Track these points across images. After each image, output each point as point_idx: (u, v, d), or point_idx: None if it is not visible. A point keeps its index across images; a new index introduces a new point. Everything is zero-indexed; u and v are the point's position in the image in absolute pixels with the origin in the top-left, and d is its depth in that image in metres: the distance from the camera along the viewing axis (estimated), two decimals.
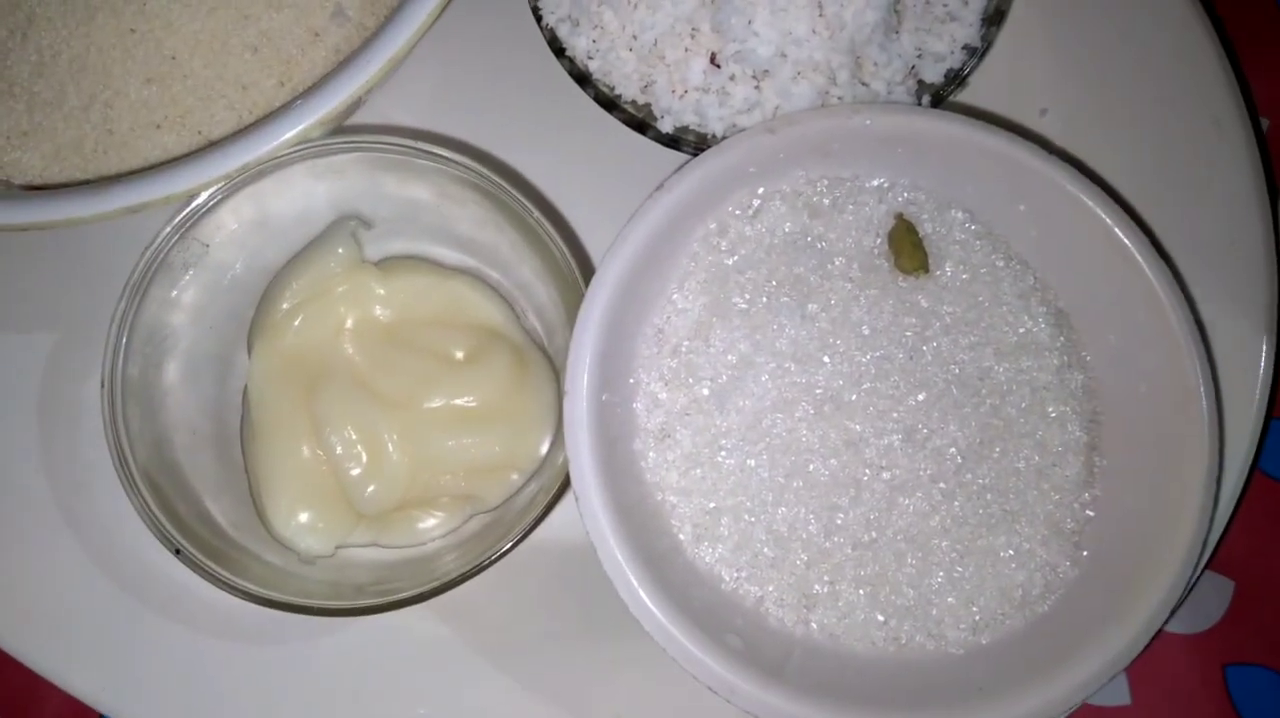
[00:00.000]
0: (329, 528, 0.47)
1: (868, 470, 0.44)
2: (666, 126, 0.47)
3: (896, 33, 0.46)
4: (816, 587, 0.43)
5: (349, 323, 0.49)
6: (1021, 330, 0.46)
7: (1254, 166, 0.51)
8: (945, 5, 0.47)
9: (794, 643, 0.43)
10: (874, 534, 0.43)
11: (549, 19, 0.48)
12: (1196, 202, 0.51)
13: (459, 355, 0.49)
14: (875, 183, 0.47)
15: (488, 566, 0.44)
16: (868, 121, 0.45)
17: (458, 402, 0.48)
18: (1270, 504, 0.53)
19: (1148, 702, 0.50)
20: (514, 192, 0.46)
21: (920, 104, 0.47)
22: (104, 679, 0.49)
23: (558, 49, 0.48)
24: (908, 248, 0.46)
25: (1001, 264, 0.46)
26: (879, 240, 0.46)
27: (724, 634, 0.41)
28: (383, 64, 0.47)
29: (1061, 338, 0.46)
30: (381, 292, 0.50)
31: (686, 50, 0.46)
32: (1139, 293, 0.43)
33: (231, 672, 0.49)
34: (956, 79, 0.48)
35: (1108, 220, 0.44)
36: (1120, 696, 0.51)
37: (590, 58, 0.47)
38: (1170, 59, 0.52)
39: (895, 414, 0.44)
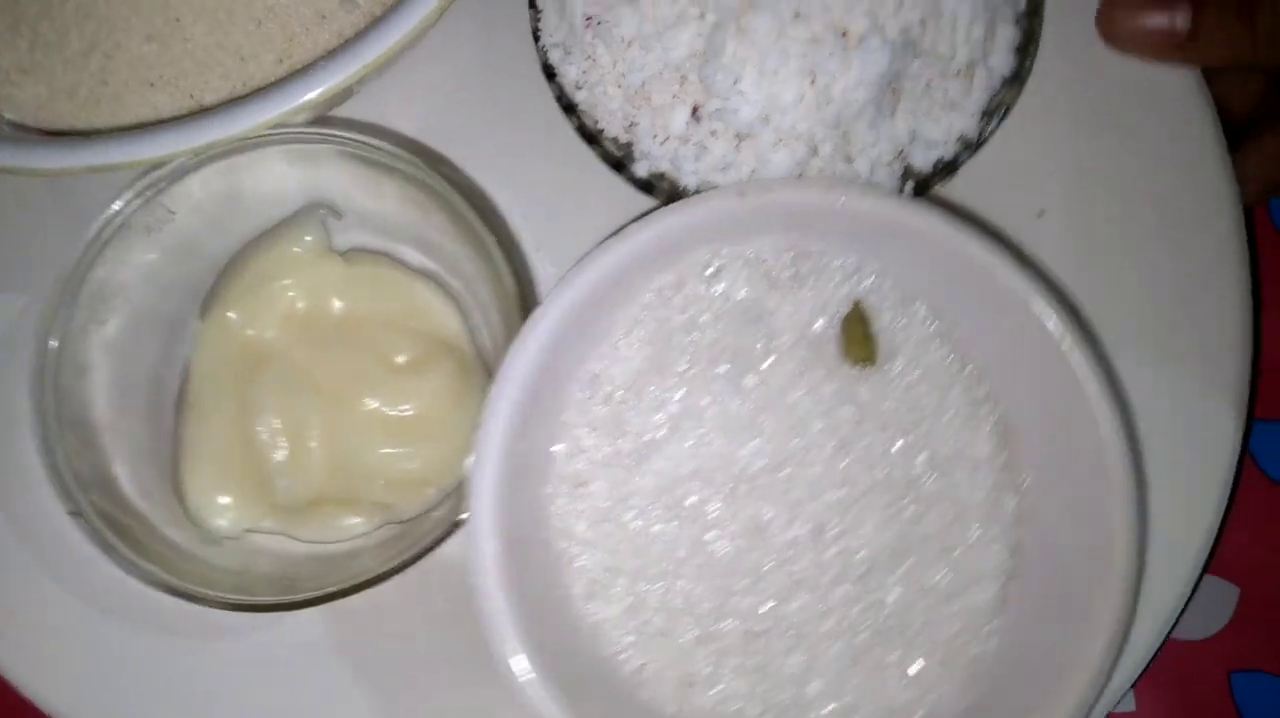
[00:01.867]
0: (241, 510, 0.47)
1: (772, 559, 0.43)
2: (642, 171, 0.46)
3: (891, 113, 0.45)
4: (699, 667, 0.43)
5: (301, 308, 0.49)
6: (961, 442, 0.44)
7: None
8: (947, 92, 0.45)
9: None
10: (767, 625, 0.42)
11: (545, 41, 0.47)
12: (1190, 318, 0.50)
13: (403, 360, 0.49)
14: (841, 262, 0.45)
15: (388, 576, 0.44)
16: (841, 201, 0.43)
17: (390, 411, 0.48)
18: (1276, 510, 0.53)
19: (1153, 708, 0.49)
20: (471, 214, 0.45)
21: (903, 190, 0.46)
22: None
23: (549, 74, 0.47)
24: (858, 336, 0.44)
25: (955, 369, 0.45)
26: (833, 323, 0.45)
27: (590, 701, 0.41)
28: (383, 50, 0.46)
29: (1003, 456, 0.44)
30: (339, 283, 0.49)
31: (674, 97, 0.45)
32: (1088, 435, 0.41)
33: (110, 653, 0.49)
34: (946, 169, 0.46)
35: (1068, 351, 0.42)
36: (1125, 702, 0.51)
37: (579, 88, 0.46)
38: (1178, 174, 0.51)
39: (810, 507, 0.43)
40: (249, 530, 0.48)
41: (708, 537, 0.43)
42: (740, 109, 0.43)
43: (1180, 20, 0.50)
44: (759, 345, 0.45)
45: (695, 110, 0.44)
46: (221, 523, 0.47)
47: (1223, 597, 0.52)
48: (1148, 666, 0.47)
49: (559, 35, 0.47)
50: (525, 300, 0.45)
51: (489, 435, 0.41)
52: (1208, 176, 0.51)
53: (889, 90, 0.44)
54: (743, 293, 0.45)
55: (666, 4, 0.44)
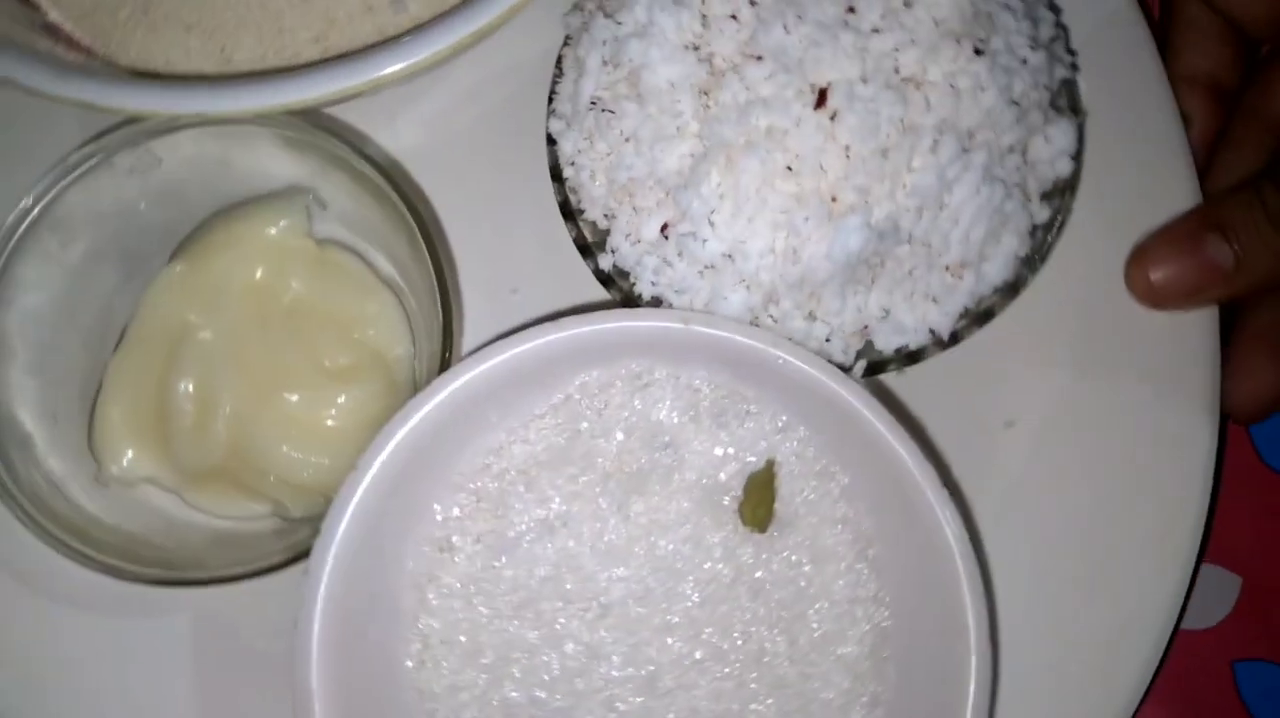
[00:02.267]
0: (141, 455, 0.48)
1: (600, 691, 0.42)
2: (605, 264, 0.45)
3: (867, 286, 0.43)
4: None
5: (259, 280, 0.49)
6: (829, 636, 0.43)
7: None
8: (929, 284, 0.43)
9: None
10: None
11: (555, 107, 0.46)
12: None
13: (335, 365, 0.49)
14: (770, 416, 0.44)
15: (248, 576, 0.44)
16: (780, 360, 0.42)
17: (305, 412, 0.48)
18: (1278, 500, 0.52)
19: (1156, 698, 0.48)
20: (422, 246, 0.45)
21: (853, 367, 0.44)
22: None
23: (550, 139, 0.46)
24: (760, 499, 0.43)
25: (847, 561, 0.43)
26: (740, 475, 0.44)
27: None
28: (421, 57, 0.46)
29: (868, 663, 0.42)
30: (305, 266, 0.49)
31: (657, 204, 0.44)
32: (959, 678, 0.40)
33: None
34: (907, 358, 0.44)
35: (962, 576, 0.40)
36: None
37: (571, 163, 0.46)
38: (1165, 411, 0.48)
39: (652, 651, 0.42)
40: (145, 480, 0.49)
41: (545, 649, 0.43)
42: (708, 241, 0.42)
43: (1220, 254, 0.46)
44: (659, 474, 0.44)
45: (665, 227, 0.43)
46: (122, 464, 0.48)
47: (1225, 587, 0.52)
48: (1158, 670, 0.46)
49: (566, 107, 0.46)
50: (449, 350, 0.45)
51: (354, 485, 0.41)
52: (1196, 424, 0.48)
53: (866, 265, 0.42)
54: (662, 415, 0.44)
55: (669, 116, 0.42)
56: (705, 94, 0.42)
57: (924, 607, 0.42)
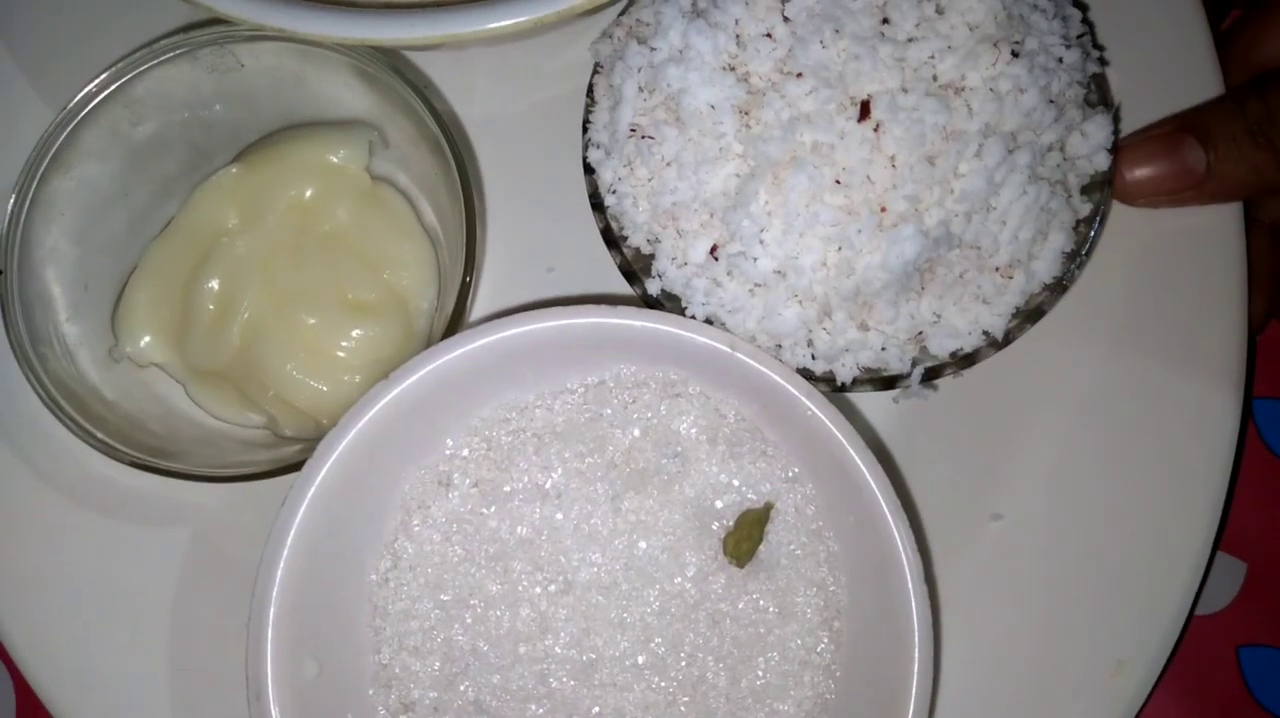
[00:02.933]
0: (157, 344, 0.49)
1: (535, 667, 0.44)
2: (654, 289, 0.45)
3: (918, 292, 0.43)
4: None
5: (308, 201, 0.50)
6: (771, 688, 0.43)
7: None
8: (980, 286, 0.43)
9: None
10: None
11: (591, 136, 0.46)
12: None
13: (358, 299, 0.49)
14: (784, 463, 0.45)
15: (229, 479, 0.45)
16: (810, 413, 0.42)
17: (317, 337, 0.48)
18: None
19: (1161, 684, 0.48)
20: (461, 209, 0.46)
21: (911, 374, 0.44)
22: None
23: (587, 169, 0.46)
24: (747, 536, 0.44)
25: (811, 625, 0.44)
26: (735, 508, 0.44)
27: None
28: (504, 23, 0.44)
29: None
30: (354, 196, 0.50)
31: (701, 226, 0.44)
32: None
33: None
34: (962, 361, 0.44)
35: (915, 681, 0.40)
36: None
37: (611, 191, 0.46)
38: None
39: (598, 641, 0.43)
40: (155, 365, 0.50)
41: (501, 605, 0.44)
42: (759, 259, 0.42)
43: (1193, 158, 0.47)
44: (660, 480, 0.44)
45: (714, 249, 0.43)
46: (137, 345, 0.49)
47: (1230, 572, 0.52)
48: (1168, 661, 0.47)
49: (603, 135, 0.46)
50: (462, 308, 0.46)
51: (378, 394, 0.43)
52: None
53: (918, 271, 0.42)
54: (682, 427, 0.45)
55: (712, 138, 0.42)
56: (745, 114, 0.42)
57: (871, 694, 0.42)
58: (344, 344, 0.48)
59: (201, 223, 0.50)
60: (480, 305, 0.52)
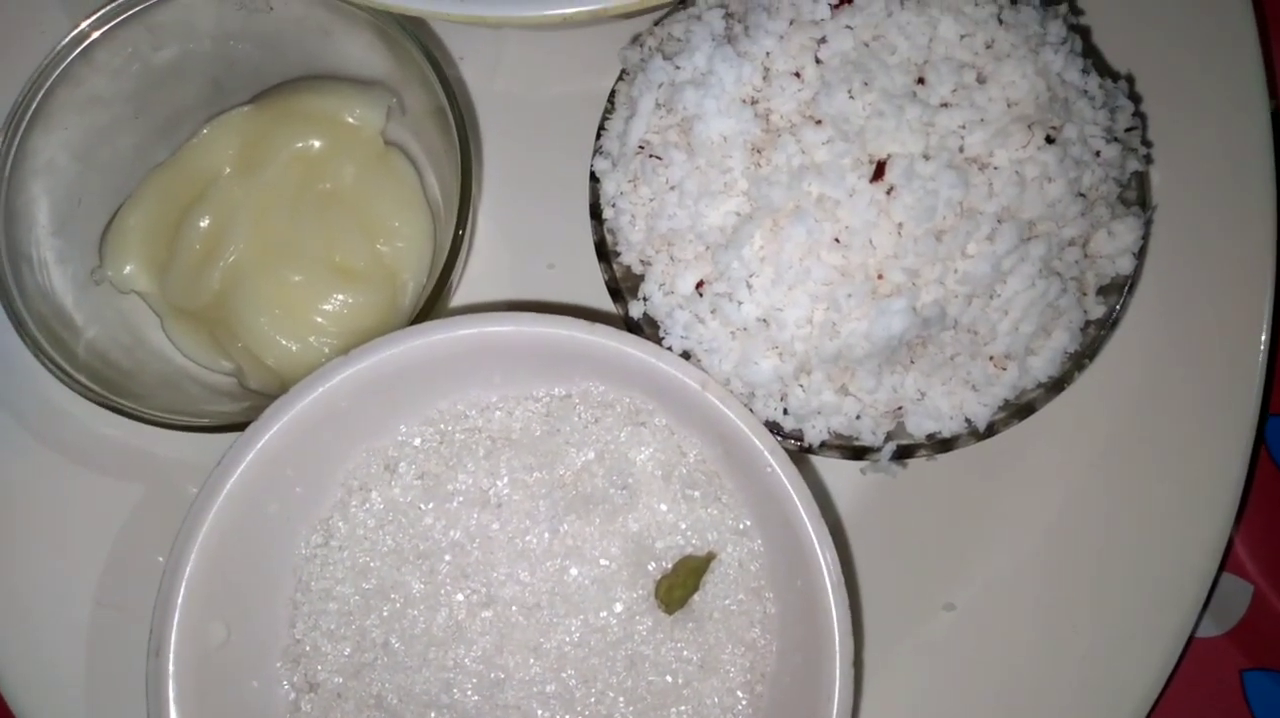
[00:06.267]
0: (140, 273, 0.49)
1: (441, 675, 0.42)
2: (635, 311, 0.43)
3: (905, 367, 0.41)
4: None
5: (314, 155, 0.49)
6: None
7: None
8: (970, 372, 0.41)
9: None
10: None
11: (602, 144, 0.45)
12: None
13: (345, 263, 0.48)
14: (738, 514, 0.43)
15: (183, 428, 0.44)
16: (769, 469, 0.41)
17: (298, 295, 0.47)
18: None
19: (1165, 706, 0.48)
20: (459, 194, 0.45)
21: (882, 449, 0.42)
22: None
23: (593, 176, 0.45)
24: (683, 583, 0.42)
25: (731, 684, 0.42)
26: (676, 553, 0.43)
27: None
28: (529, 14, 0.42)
29: None
30: (363, 157, 0.49)
31: (695, 258, 0.42)
32: None
33: None
34: (938, 446, 0.42)
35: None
36: None
37: (612, 204, 0.44)
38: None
39: (510, 661, 0.42)
40: (136, 293, 0.49)
41: (421, 605, 0.43)
42: (743, 304, 0.40)
43: None
44: (605, 509, 0.43)
45: (701, 284, 0.41)
46: (120, 271, 0.48)
47: (1236, 594, 0.51)
48: (1173, 673, 0.46)
49: (614, 145, 0.44)
50: (443, 288, 0.45)
51: (336, 369, 0.42)
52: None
53: (906, 346, 0.40)
54: (640, 458, 0.44)
55: (718, 170, 0.41)
56: (758, 152, 0.40)
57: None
58: (324, 308, 0.47)
59: (206, 158, 0.50)
60: (474, 292, 0.51)
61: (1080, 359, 0.42)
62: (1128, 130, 0.43)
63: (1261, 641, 0.51)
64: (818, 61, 0.40)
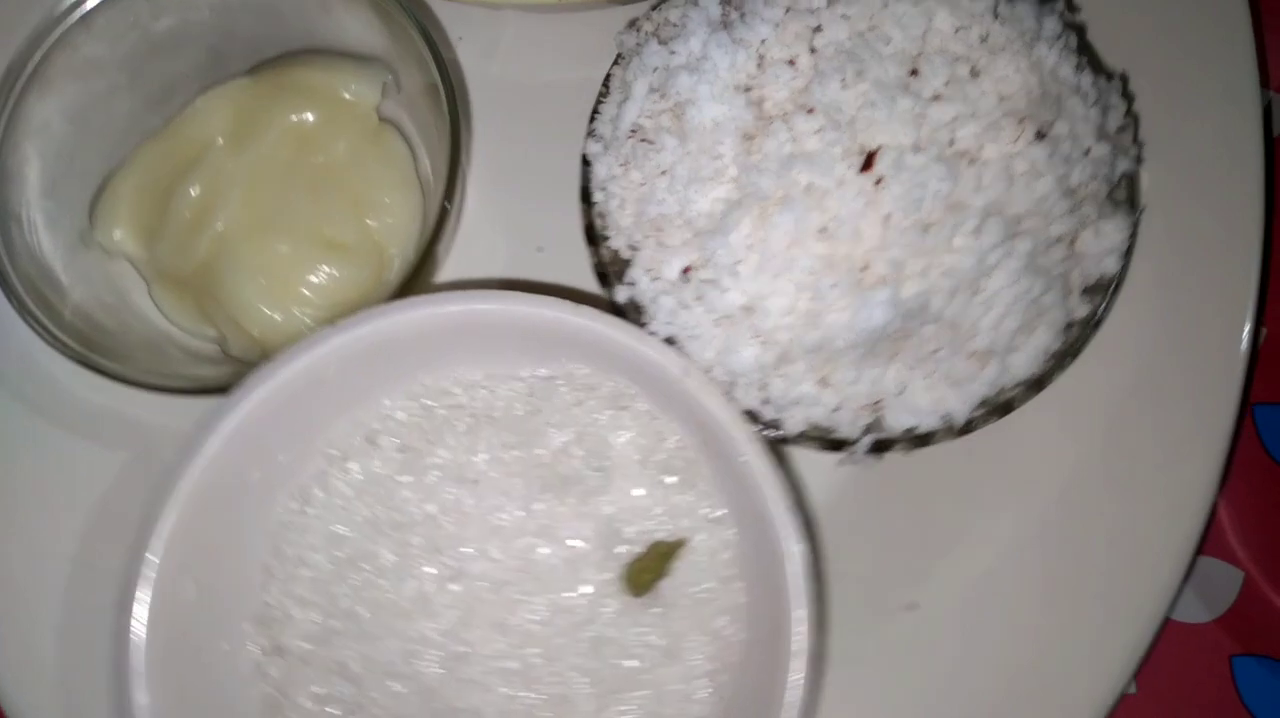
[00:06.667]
0: (129, 238, 0.49)
1: (405, 646, 0.43)
2: (622, 296, 0.43)
3: (886, 360, 0.41)
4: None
5: (307, 128, 0.49)
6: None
7: None
8: (952, 367, 0.41)
9: None
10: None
11: (595, 127, 0.45)
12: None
13: (336, 238, 0.48)
14: (714, 503, 0.43)
15: (163, 389, 0.44)
16: (744, 460, 0.40)
17: (284, 266, 0.47)
18: None
19: (1153, 691, 0.49)
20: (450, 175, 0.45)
21: (860, 441, 0.42)
22: None
23: (584, 160, 0.45)
24: (651, 567, 0.42)
25: (694, 673, 0.42)
26: (646, 538, 0.43)
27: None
28: None
29: None
30: (357, 134, 0.49)
31: (683, 244, 0.42)
32: None
33: None
34: (915, 441, 0.42)
35: None
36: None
37: (603, 187, 0.44)
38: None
39: (474, 635, 0.42)
40: (124, 257, 0.49)
41: (390, 576, 0.43)
42: (728, 291, 0.40)
43: None
44: (580, 490, 0.43)
45: (688, 270, 0.41)
46: (110, 235, 0.49)
47: (1226, 580, 0.51)
48: (1147, 653, 0.46)
49: (606, 129, 0.44)
50: (426, 263, 0.45)
51: (323, 339, 0.41)
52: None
53: (888, 338, 0.40)
54: (619, 441, 0.44)
55: (709, 156, 0.41)
56: (749, 139, 0.40)
57: None
58: (310, 280, 0.47)
59: (201, 127, 0.50)
60: (462, 273, 0.51)
61: (1062, 358, 0.42)
62: (1119, 130, 0.43)
63: (1251, 627, 0.51)
64: (812, 50, 0.40)
